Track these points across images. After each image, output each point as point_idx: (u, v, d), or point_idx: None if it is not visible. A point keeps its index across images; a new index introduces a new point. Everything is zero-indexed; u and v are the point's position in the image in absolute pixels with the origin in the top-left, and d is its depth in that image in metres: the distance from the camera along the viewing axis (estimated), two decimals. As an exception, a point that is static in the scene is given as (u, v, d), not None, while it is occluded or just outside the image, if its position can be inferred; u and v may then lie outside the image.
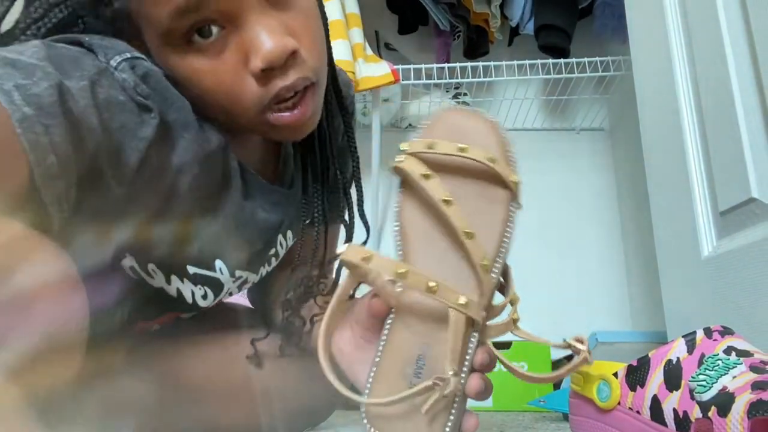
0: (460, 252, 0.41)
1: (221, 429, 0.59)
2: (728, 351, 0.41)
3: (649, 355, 0.44)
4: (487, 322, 0.42)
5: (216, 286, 0.56)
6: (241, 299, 0.74)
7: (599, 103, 1.54)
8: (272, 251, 0.61)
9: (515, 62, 1.38)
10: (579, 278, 1.50)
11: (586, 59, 1.34)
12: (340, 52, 1.22)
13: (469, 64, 1.37)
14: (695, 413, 0.38)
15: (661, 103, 0.87)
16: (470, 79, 1.37)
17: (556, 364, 1.17)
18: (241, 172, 0.52)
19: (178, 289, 0.53)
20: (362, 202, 0.65)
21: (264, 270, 0.62)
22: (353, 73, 1.21)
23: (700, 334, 0.43)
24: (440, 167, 0.43)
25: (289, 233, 0.63)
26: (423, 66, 1.36)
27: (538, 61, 1.36)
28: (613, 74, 1.35)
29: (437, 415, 0.38)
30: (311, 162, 0.60)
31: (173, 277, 0.52)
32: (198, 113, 0.47)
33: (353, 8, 1.34)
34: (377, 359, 0.41)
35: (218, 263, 0.55)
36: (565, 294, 1.49)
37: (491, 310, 0.42)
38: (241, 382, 0.60)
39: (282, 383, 0.62)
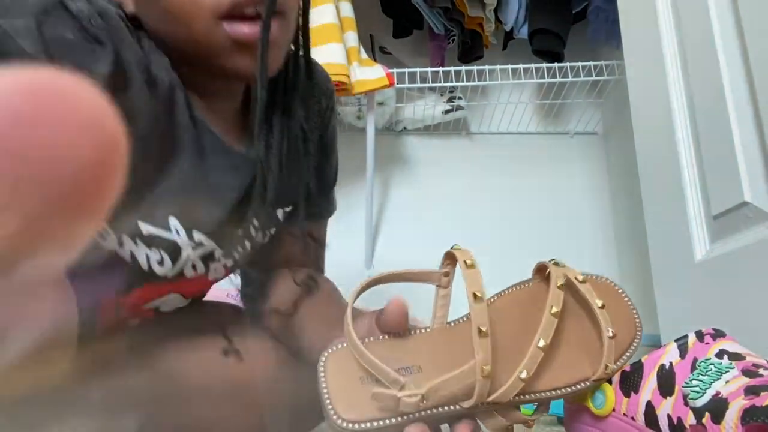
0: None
1: (216, 429, 0.59)
2: (720, 354, 0.41)
3: (642, 360, 0.44)
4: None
5: (172, 249, 0.52)
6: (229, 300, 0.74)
7: (593, 107, 1.55)
8: (242, 231, 0.58)
9: (509, 66, 1.38)
10: (573, 282, 1.50)
11: (579, 63, 1.34)
12: (335, 56, 1.22)
13: (463, 68, 1.37)
14: (689, 419, 0.38)
15: (654, 108, 0.87)
16: (465, 83, 1.37)
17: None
18: (195, 125, 0.51)
19: (131, 253, 0.50)
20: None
21: (237, 251, 0.58)
22: (348, 76, 1.21)
23: (692, 338, 0.42)
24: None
25: (263, 216, 0.60)
26: (418, 70, 1.36)
27: (533, 66, 1.37)
28: (606, 79, 1.36)
29: None
30: (280, 138, 0.58)
31: (125, 238, 0.49)
32: (156, 45, 0.47)
33: (348, 12, 1.34)
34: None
35: (172, 221, 0.52)
36: (560, 297, 1.49)
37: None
38: (238, 383, 0.60)
39: (280, 384, 0.61)
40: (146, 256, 0.51)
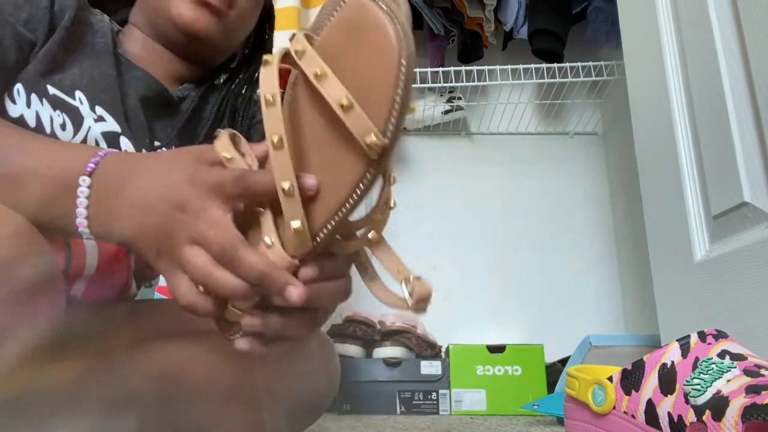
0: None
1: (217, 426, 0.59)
2: (722, 355, 0.41)
3: (644, 359, 0.44)
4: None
5: (75, 115, 0.58)
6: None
7: (592, 107, 1.55)
8: (148, 134, 0.65)
9: (509, 67, 1.38)
10: (572, 282, 1.50)
11: (579, 64, 1.34)
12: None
13: (463, 68, 1.37)
14: (690, 417, 0.38)
15: (653, 108, 0.87)
16: (464, 83, 1.37)
17: (550, 367, 1.17)
18: (114, 44, 0.62)
19: (37, 114, 0.56)
20: None
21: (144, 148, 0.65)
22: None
23: (694, 338, 0.43)
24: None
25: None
26: (417, 70, 1.36)
27: (532, 66, 1.37)
28: (606, 79, 1.36)
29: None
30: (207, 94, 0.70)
31: (33, 97, 0.56)
32: None
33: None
34: None
35: (78, 93, 0.59)
36: (559, 298, 1.49)
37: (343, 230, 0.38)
38: (239, 378, 0.60)
39: (278, 380, 0.62)
40: (50, 117, 0.57)
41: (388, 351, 1.18)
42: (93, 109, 0.61)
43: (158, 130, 0.67)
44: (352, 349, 1.20)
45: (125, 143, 0.63)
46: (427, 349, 1.22)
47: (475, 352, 1.15)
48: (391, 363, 1.15)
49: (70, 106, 0.59)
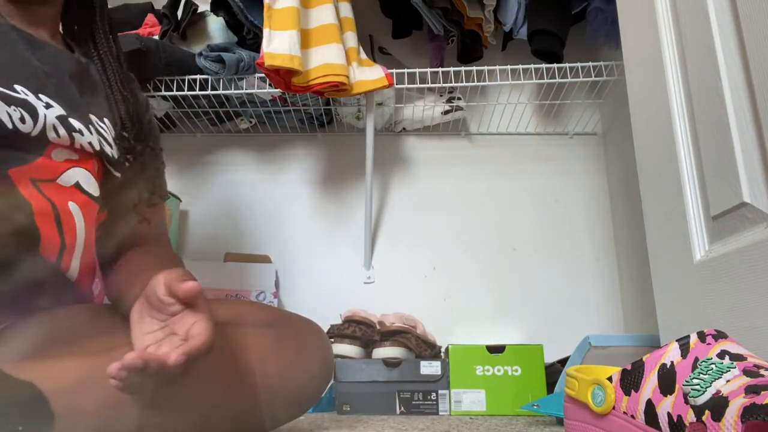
0: None
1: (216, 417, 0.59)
2: (722, 355, 0.41)
3: (643, 359, 0.44)
4: None
5: (28, 107, 0.63)
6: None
7: (592, 107, 1.55)
8: (88, 109, 0.71)
9: (509, 67, 1.38)
10: (571, 282, 1.50)
11: (579, 64, 1.34)
12: (335, 56, 1.22)
13: (462, 68, 1.37)
14: (689, 417, 0.38)
15: (653, 108, 0.87)
16: (464, 84, 1.37)
17: (550, 368, 1.18)
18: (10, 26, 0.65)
19: None
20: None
21: (91, 130, 0.70)
22: (347, 77, 1.21)
23: (693, 338, 0.43)
24: None
25: (106, 121, 0.74)
26: (417, 70, 1.36)
27: (532, 66, 1.37)
28: (605, 79, 1.36)
29: None
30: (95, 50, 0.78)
31: None
32: None
33: (347, 12, 1.34)
34: None
35: (18, 87, 0.63)
36: (558, 298, 1.49)
37: None
38: (237, 371, 0.60)
39: (272, 371, 0.62)
40: (8, 114, 0.61)
41: (387, 351, 1.18)
42: (38, 98, 0.65)
43: (87, 102, 0.73)
44: (352, 350, 1.20)
45: (76, 123, 0.68)
46: (427, 349, 1.22)
47: (475, 352, 1.15)
48: (390, 363, 1.15)
49: (21, 100, 0.62)
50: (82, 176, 0.68)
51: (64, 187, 0.66)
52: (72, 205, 0.67)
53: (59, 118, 0.66)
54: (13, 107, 0.61)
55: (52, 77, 0.68)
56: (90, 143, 0.69)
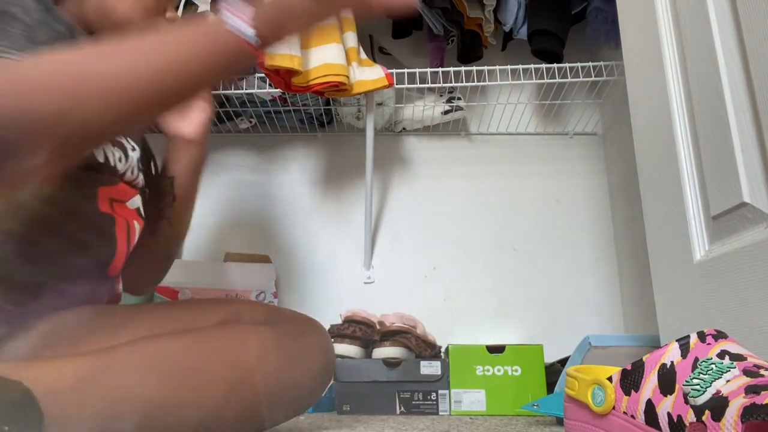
0: None
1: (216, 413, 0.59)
2: (722, 355, 0.41)
3: (643, 359, 0.44)
4: None
5: (122, 147, 0.74)
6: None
7: (592, 107, 1.55)
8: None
9: (509, 67, 1.38)
10: (571, 282, 1.50)
11: (579, 64, 1.34)
12: (335, 56, 1.22)
13: (462, 68, 1.37)
14: (689, 417, 0.38)
15: (653, 108, 0.87)
16: (464, 84, 1.37)
17: (550, 368, 1.18)
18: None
19: (104, 153, 0.70)
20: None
21: (124, 156, 0.77)
22: (347, 77, 1.21)
23: (693, 338, 0.43)
24: None
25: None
26: (417, 70, 1.36)
27: (532, 66, 1.37)
28: (605, 79, 1.36)
29: None
30: None
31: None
32: None
33: (347, 12, 1.34)
34: None
35: None
36: (558, 298, 1.49)
37: None
38: (238, 369, 0.60)
39: (273, 369, 0.62)
40: (113, 153, 0.71)
41: (387, 351, 1.18)
42: (127, 140, 0.75)
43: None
44: (352, 350, 1.20)
45: (136, 159, 0.79)
46: (427, 349, 1.22)
47: (475, 352, 1.15)
48: (390, 363, 1.15)
49: (118, 142, 0.73)
50: (139, 202, 0.80)
51: (131, 209, 0.77)
52: (136, 224, 0.78)
53: (138, 159, 0.78)
54: (116, 148, 0.72)
55: None
56: (139, 179, 0.81)
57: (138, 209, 0.79)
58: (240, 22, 0.50)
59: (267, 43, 0.53)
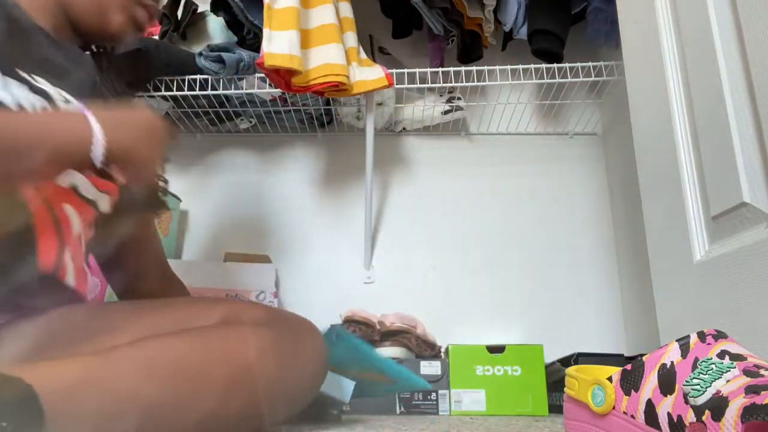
0: None
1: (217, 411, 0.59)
2: (722, 355, 0.41)
3: (643, 359, 0.44)
4: None
5: (48, 98, 0.67)
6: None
7: (592, 107, 1.55)
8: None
9: (509, 67, 1.38)
10: (571, 282, 1.50)
11: (579, 64, 1.34)
12: (335, 56, 1.22)
13: (462, 68, 1.37)
14: (689, 417, 0.38)
15: (653, 108, 0.87)
16: (464, 84, 1.37)
17: (550, 367, 1.18)
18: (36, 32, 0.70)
19: (16, 98, 0.64)
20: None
21: None
22: (347, 77, 1.21)
23: (693, 338, 0.43)
24: None
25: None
26: (417, 70, 1.36)
27: (532, 66, 1.37)
28: (605, 79, 1.36)
29: None
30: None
31: (7, 80, 0.63)
32: None
33: (347, 12, 1.34)
34: None
35: (39, 78, 0.66)
36: (558, 298, 1.49)
37: None
38: (238, 367, 0.60)
39: (272, 367, 0.62)
40: (31, 103, 0.64)
41: (387, 351, 1.18)
42: (57, 92, 0.68)
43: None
44: (352, 350, 1.19)
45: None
46: (427, 349, 1.22)
47: (475, 352, 1.15)
48: (390, 363, 1.15)
49: (39, 89, 0.66)
50: (79, 178, 0.69)
51: (63, 187, 0.67)
52: (69, 207, 0.67)
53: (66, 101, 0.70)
54: (33, 94, 0.64)
55: (71, 76, 0.73)
56: None
57: (74, 187, 0.68)
58: (100, 148, 0.57)
59: (105, 165, 0.58)
